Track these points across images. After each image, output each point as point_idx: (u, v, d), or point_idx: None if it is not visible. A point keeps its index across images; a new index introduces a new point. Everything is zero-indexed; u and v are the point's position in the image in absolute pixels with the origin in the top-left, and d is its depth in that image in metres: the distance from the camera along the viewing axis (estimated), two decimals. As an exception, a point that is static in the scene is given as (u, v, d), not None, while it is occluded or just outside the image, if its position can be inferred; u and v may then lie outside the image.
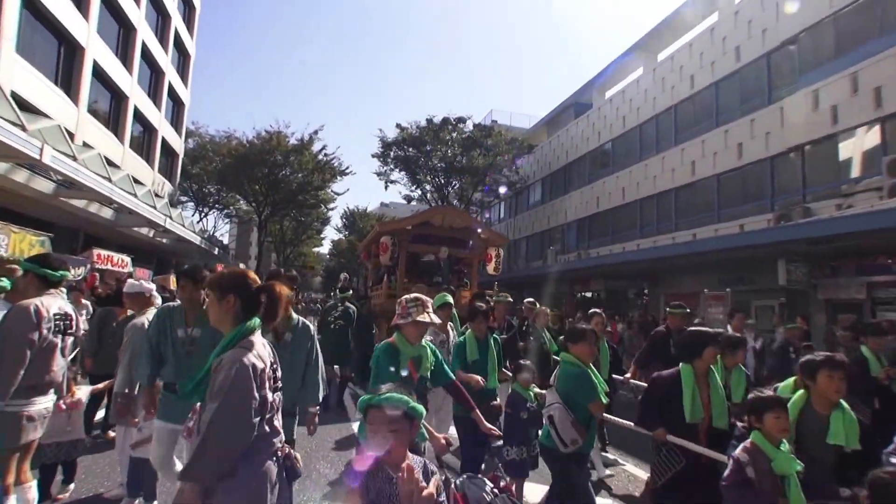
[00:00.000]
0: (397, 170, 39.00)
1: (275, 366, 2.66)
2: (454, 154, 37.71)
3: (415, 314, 3.84)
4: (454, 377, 4.19)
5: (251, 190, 38.25)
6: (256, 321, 2.64)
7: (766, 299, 18.81)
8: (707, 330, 4.38)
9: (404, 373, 3.70)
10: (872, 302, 15.51)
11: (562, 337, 4.78)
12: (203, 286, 4.08)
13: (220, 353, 2.49)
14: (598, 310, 7.30)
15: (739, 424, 3.84)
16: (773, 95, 19.90)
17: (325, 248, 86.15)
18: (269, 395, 2.51)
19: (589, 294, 29.38)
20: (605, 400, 4.22)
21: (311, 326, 4.43)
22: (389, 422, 2.31)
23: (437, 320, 3.92)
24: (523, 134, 40.38)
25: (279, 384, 2.70)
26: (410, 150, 37.75)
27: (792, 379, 4.05)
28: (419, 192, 39.27)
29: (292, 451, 2.68)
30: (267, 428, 2.51)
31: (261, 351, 2.54)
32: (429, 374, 3.94)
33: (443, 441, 3.55)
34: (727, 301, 18.11)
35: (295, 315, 4.34)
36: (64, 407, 4.42)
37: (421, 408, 2.48)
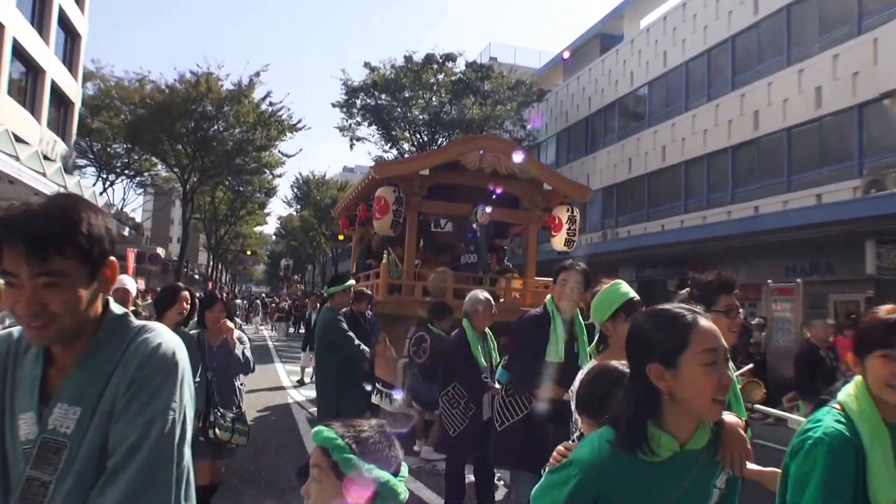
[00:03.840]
0: (366, 123, 38.60)
1: None
2: (441, 102, 37.32)
3: None
4: None
5: (172, 150, 37.76)
6: None
7: (848, 292, 18.78)
8: None
9: None
10: None
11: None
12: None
13: None
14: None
15: None
16: (864, 23, 19.75)
17: (270, 227, 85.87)
18: None
19: (618, 286, 29.26)
20: None
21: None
22: (313, 464, 2.15)
23: None
24: (532, 75, 40.08)
25: None
26: (383, 97, 37.37)
27: None
28: (395, 151, 38.99)
29: None
30: None
31: None
32: None
33: None
34: (797, 295, 18.06)
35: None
36: None
37: (362, 464, 2.05)
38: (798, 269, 19.72)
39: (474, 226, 10.25)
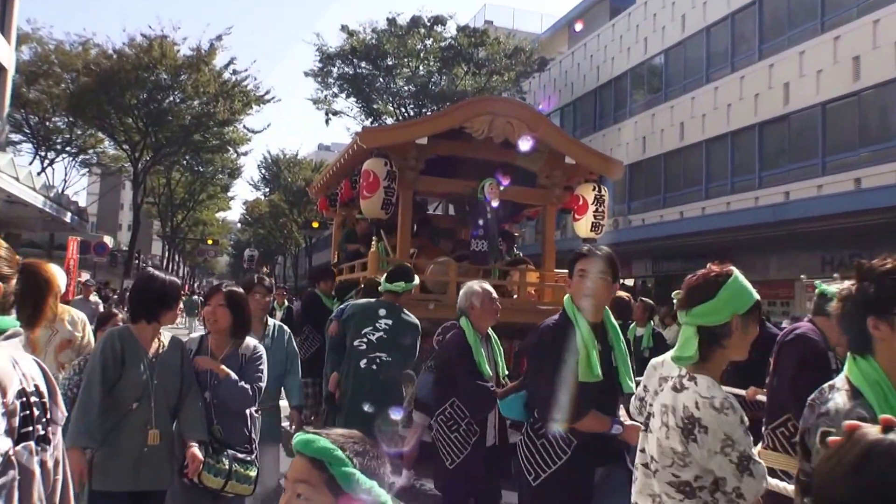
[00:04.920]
0: (344, 95, 38.65)
1: (35, 398, 2.34)
2: (429, 72, 37.26)
3: None
4: None
5: (121, 125, 37.57)
6: (4, 322, 2.38)
7: (892, 289, 18.84)
8: None
9: None
10: None
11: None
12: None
13: None
14: None
15: None
16: (908, -16, 19.75)
17: (234, 214, 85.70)
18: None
19: (630, 282, 29.28)
20: None
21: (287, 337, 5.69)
22: (296, 480, 2.03)
23: None
24: (532, 42, 40.00)
25: (36, 426, 2.33)
26: (363, 65, 37.33)
27: None
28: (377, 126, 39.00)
29: None
30: None
31: None
32: None
33: None
34: (835, 292, 18.16)
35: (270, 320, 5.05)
36: None
37: (364, 481, 2.00)
38: (836, 262, 19.76)
39: (487, 206, 9.59)
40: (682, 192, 28.15)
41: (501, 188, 9.59)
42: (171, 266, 63.86)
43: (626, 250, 27.14)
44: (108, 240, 41.79)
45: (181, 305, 4.46)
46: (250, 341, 4.75)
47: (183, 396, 4.31)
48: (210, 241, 60.25)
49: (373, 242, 9.42)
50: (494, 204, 9.58)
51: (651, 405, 3.02)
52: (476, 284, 5.81)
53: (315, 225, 34.05)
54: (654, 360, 3.20)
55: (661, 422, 2.79)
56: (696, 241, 23.25)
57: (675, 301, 2.92)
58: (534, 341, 4.33)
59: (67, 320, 5.74)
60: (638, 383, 3.81)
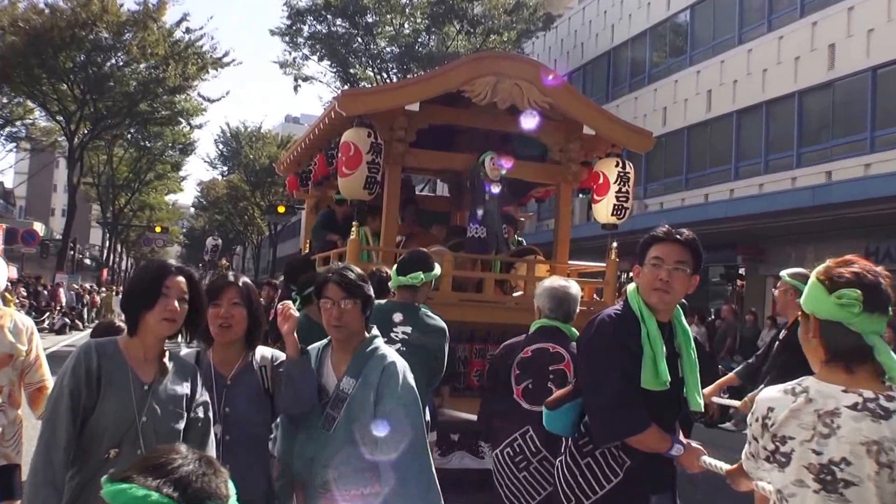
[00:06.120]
0: (316, 57, 38.71)
1: None
2: (415, 30, 37.24)
3: None
4: None
5: (54, 92, 37.45)
6: None
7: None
8: None
9: None
10: None
11: None
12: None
13: None
14: None
15: None
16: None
17: (188, 196, 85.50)
18: None
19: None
20: None
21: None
22: None
23: None
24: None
25: None
26: (339, 22, 37.33)
27: None
28: (354, 96, 38.93)
29: None
30: None
31: None
32: None
33: None
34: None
35: (381, 346, 3.87)
36: None
37: None
38: (881, 253, 19.85)
39: (488, 185, 9.23)
40: (708, 171, 28.21)
41: (503, 171, 9.25)
42: (112, 257, 63.74)
43: (641, 239, 27.27)
44: (38, 227, 41.90)
45: (171, 304, 3.12)
46: (265, 350, 4.03)
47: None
48: (158, 229, 60.15)
49: (353, 228, 8.97)
50: (496, 185, 9.27)
51: (818, 453, 2.51)
52: (573, 286, 5.72)
53: (281, 210, 33.96)
54: (784, 400, 2.71)
55: (877, 463, 2.40)
56: (722, 229, 23.24)
57: (853, 304, 2.50)
58: (590, 335, 4.03)
59: (9, 328, 4.95)
60: None
